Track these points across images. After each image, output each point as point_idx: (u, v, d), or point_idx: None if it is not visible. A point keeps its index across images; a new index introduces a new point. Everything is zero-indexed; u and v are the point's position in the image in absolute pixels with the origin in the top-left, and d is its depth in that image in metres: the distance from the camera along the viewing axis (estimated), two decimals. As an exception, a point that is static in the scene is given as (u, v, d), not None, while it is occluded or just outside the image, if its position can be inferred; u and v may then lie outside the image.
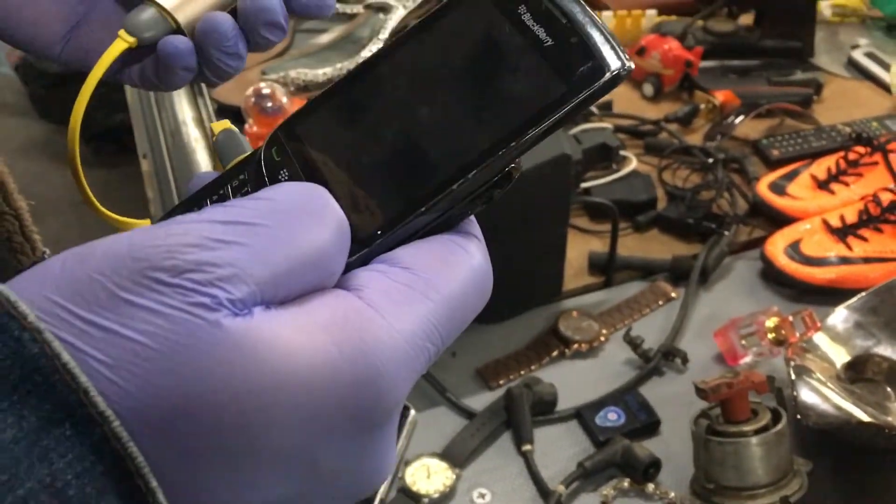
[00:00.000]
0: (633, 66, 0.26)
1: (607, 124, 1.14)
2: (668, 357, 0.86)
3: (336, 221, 0.25)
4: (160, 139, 0.90)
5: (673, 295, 0.94)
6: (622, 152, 1.05)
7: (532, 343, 0.89)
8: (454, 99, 0.27)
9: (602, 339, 0.88)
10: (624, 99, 1.28)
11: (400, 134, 0.28)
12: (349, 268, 0.26)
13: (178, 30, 0.40)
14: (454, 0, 0.28)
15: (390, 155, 0.28)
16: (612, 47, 0.25)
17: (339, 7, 1.00)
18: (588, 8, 0.26)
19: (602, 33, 0.26)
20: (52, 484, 0.19)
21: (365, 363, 0.23)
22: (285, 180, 0.28)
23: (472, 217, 0.28)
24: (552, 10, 0.26)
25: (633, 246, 1.01)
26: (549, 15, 0.26)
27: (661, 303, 0.93)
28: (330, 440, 0.23)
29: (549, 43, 0.26)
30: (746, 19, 1.40)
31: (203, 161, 0.96)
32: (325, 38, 0.97)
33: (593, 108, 1.21)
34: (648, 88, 1.27)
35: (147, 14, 0.39)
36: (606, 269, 0.96)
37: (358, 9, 1.00)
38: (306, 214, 0.24)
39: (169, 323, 0.21)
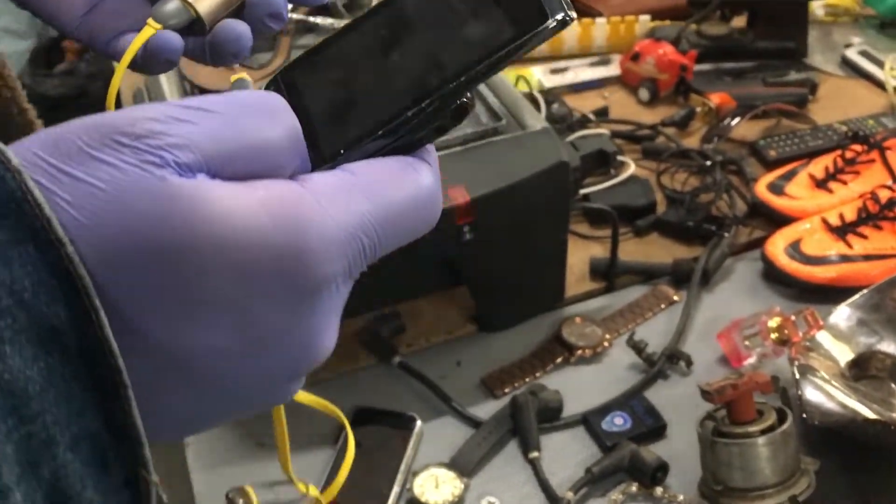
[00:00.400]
0: (574, 16, 0.30)
1: (604, 130, 1.14)
2: (673, 360, 0.86)
3: (287, 123, 0.28)
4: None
5: (675, 298, 0.94)
6: (620, 157, 1.06)
7: (536, 350, 0.89)
8: (419, 43, 0.31)
9: (606, 344, 0.88)
10: (620, 104, 1.29)
11: (369, 72, 0.32)
12: None
13: (198, 19, 0.46)
14: None
15: (360, 90, 0.32)
16: (559, 2, 0.29)
17: (336, 23, 1.01)
18: None
19: None
20: (11, 286, 0.23)
21: (295, 235, 0.26)
22: None
23: (431, 147, 0.32)
24: None
25: (634, 250, 1.01)
26: None
27: (663, 306, 0.93)
28: (261, 299, 0.26)
29: None
30: (739, 21, 1.41)
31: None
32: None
33: (590, 115, 1.22)
34: (644, 93, 1.28)
35: (172, 5, 0.45)
36: (608, 275, 0.96)
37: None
38: (259, 111, 0.27)
39: (122, 174, 0.25)
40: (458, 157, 0.81)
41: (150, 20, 0.45)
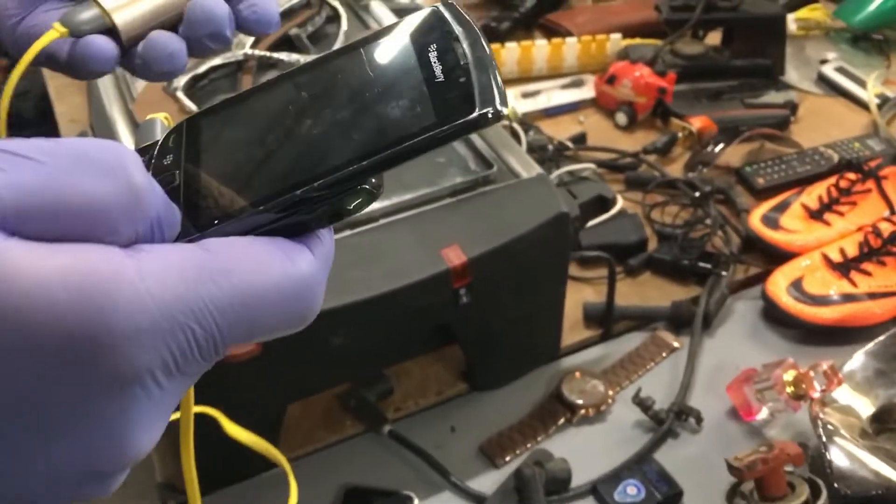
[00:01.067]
0: (505, 111, 0.26)
1: (591, 165, 1.09)
2: (681, 417, 0.81)
3: (126, 182, 0.23)
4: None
5: (676, 345, 0.89)
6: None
7: (535, 411, 0.83)
8: (334, 115, 0.28)
9: (609, 401, 0.83)
10: (597, 129, 1.23)
11: (271, 137, 0.29)
12: None
13: (114, 29, 0.43)
14: (384, 30, 0.30)
15: (256, 155, 0.29)
16: (493, 92, 0.26)
17: (302, 58, 0.93)
18: (490, 55, 0.27)
19: (490, 77, 0.27)
20: None
21: (93, 316, 0.22)
22: (166, 164, 0.29)
23: (323, 233, 0.28)
24: (457, 52, 0.27)
25: (628, 292, 0.96)
26: (452, 56, 0.27)
27: (664, 354, 0.88)
28: (46, 385, 0.22)
29: (439, 79, 0.27)
30: (712, 39, 1.37)
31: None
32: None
33: (568, 143, 1.17)
34: (622, 118, 1.23)
35: (86, 11, 0.42)
36: (604, 322, 0.90)
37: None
38: (89, 164, 0.23)
39: None
40: (448, 210, 0.75)
41: (56, 24, 0.42)
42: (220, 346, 0.24)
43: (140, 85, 0.97)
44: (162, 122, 0.34)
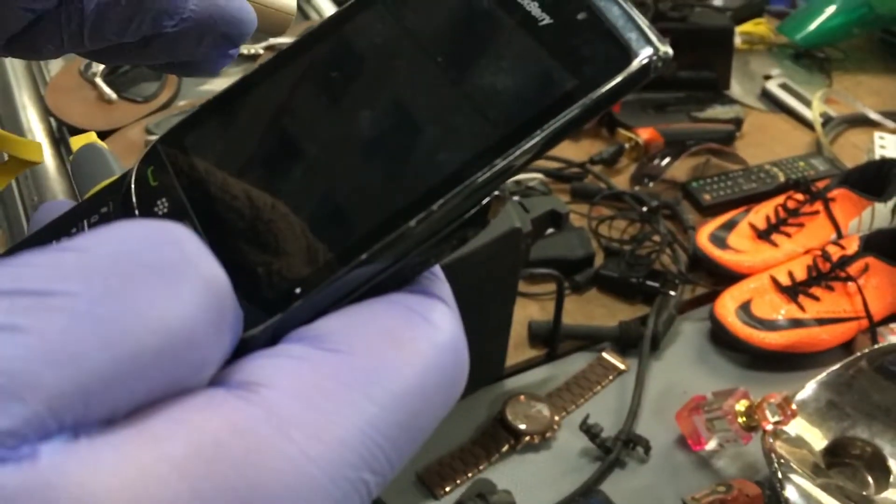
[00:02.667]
0: (670, 52, 0.19)
1: (539, 175, 1.05)
2: (629, 446, 0.77)
3: (204, 282, 0.16)
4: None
5: (622, 367, 0.86)
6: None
7: (478, 436, 0.78)
8: (413, 100, 0.20)
9: (555, 427, 0.78)
10: (542, 136, 1.19)
11: (332, 146, 0.20)
12: (249, 346, 0.18)
13: None
14: None
15: (317, 175, 0.20)
16: (637, 26, 0.18)
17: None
18: None
19: (620, 7, 0.19)
20: None
21: None
22: (163, 214, 0.20)
23: (438, 269, 0.20)
24: None
25: (573, 309, 0.92)
26: None
27: (611, 378, 0.85)
28: None
29: (545, 21, 0.19)
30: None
31: (62, 190, 0.80)
32: (221, 86, 0.83)
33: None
34: (568, 125, 1.19)
35: None
36: (550, 341, 0.86)
37: (258, 49, 0.86)
38: (149, 273, 0.15)
39: None
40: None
41: None
42: (390, 476, 0.18)
43: (54, 67, 0.88)
44: (108, 151, 0.25)
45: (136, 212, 0.21)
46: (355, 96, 0.20)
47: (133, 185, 0.21)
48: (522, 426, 0.78)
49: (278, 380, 0.16)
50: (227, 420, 0.15)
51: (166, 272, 0.15)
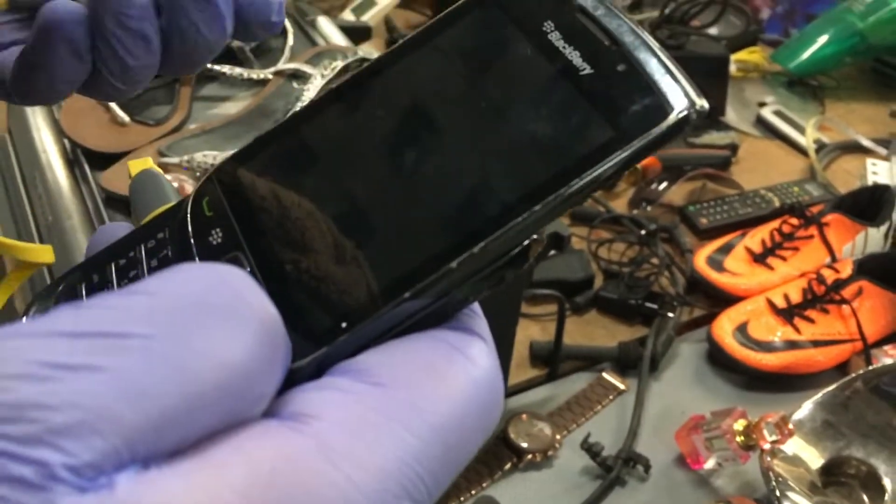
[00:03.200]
0: (706, 106, 0.19)
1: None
2: (629, 464, 0.79)
3: (259, 322, 0.17)
4: (33, 235, 0.75)
5: (622, 387, 0.87)
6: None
7: (480, 454, 0.79)
8: (459, 145, 0.20)
9: (556, 445, 0.80)
10: (542, 160, 1.22)
11: (380, 187, 0.21)
12: (296, 377, 0.19)
13: None
14: (461, 8, 0.21)
15: (365, 215, 0.21)
16: (675, 79, 0.19)
17: (245, 72, 0.89)
18: (638, 25, 0.20)
19: (659, 60, 0.19)
20: None
21: None
22: (216, 244, 0.21)
23: (476, 307, 0.21)
24: (590, 27, 0.20)
25: (573, 330, 0.94)
26: (585, 34, 0.20)
27: (611, 397, 0.86)
28: None
29: (586, 71, 0.20)
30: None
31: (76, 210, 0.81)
32: (230, 109, 0.85)
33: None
34: (567, 150, 1.21)
35: None
36: (551, 361, 0.88)
37: (267, 75, 0.89)
38: (211, 314, 0.16)
39: None
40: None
41: None
42: None
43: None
44: (163, 177, 0.26)
45: (192, 240, 0.22)
46: (406, 138, 0.21)
47: (189, 214, 0.22)
48: (525, 444, 0.79)
49: (326, 412, 0.18)
50: (280, 449, 0.16)
51: (225, 313, 0.17)
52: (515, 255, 0.20)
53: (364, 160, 0.21)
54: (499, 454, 0.79)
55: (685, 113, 0.19)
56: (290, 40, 0.96)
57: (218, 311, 0.16)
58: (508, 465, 0.78)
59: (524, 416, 0.82)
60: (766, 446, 0.73)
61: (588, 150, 0.19)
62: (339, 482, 0.16)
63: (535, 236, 0.20)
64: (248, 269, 0.21)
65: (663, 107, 0.19)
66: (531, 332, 0.93)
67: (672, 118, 0.19)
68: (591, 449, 0.78)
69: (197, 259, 0.21)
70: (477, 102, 0.21)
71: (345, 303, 0.19)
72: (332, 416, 0.18)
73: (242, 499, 0.15)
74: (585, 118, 0.19)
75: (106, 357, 0.15)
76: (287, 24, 0.98)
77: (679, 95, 0.19)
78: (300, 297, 0.20)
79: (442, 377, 0.19)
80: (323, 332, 0.19)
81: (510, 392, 0.86)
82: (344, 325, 0.19)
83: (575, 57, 0.20)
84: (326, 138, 0.22)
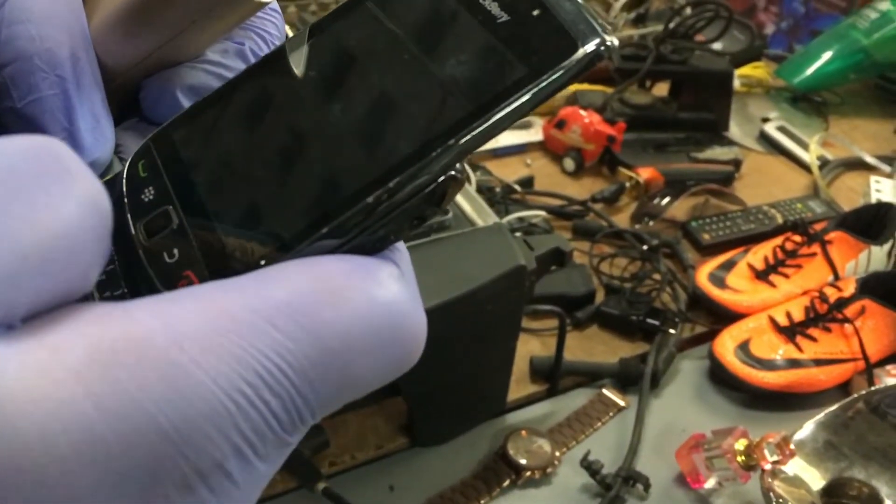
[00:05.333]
0: (615, 42, 0.20)
1: (541, 212, 1.06)
2: (629, 483, 0.78)
3: (82, 189, 0.17)
4: None
5: (622, 404, 0.87)
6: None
7: (479, 470, 0.79)
8: (378, 91, 0.21)
9: (556, 462, 0.79)
10: (544, 173, 1.22)
11: (301, 134, 0.22)
12: None
13: None
14: None
15: (287, 160, 0.22)
16: (586, 19, 0.20)
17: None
18: None
19: (573, 3, 0.21)
20: None
21: (140, 422, 0.15)
22: (148, 201, 0.22)
23: (401, 245, 0.22)
24: None
25: (574, 345, 0.93)
26: None
27: (611, 414, 0.86)
28: None
29: (503, 19, 0.21)
30: (659, 90, 1.37)
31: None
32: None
33: (515, 186, 1.14)
34: (569, 163, 1.21)
35: None
36: (551, 377, 0.87)
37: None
38: (31, 181, 0.16)
39: None
40: (402, 257, 0.71)
41: None
42: (306, 413, 0.18)
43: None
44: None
45: (125, 199, 0.23)
46: (324, 88, 0.22)
47: (125, 177, 0.23)
48: (523, 461, 0.78)
49: (185, 300, 0.18)
50: (124, 330, 0.16)
51: (46, 180, 0.16)
52: (432, 191, 0.20)
53: (288, 111, 0.22)
54: (497, 471, 0.78)
55: (593, 48, 0.20)
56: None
57: (38, 178, 0.16)
58: (507, 482, 0.78)
59: (523, 432, 0.81)
60: (768, 466, 0.73)
61: (499, 88, 0.20)
62: (182, 362, 0.16)
63: (453, 174, 0.20)
64: (178, 221, 0.22)
65: (574, 43, 0.20)
66: (531, 346, 0.92)
67: (580, 53, 0.20)
68: (590, 467, 0.78)
69: (129, 217, 0.22)
70: (400, 52, 0.22)
71: (265, 243, 0.20)
72: (190, 304, 0.17)
73: (77, 378, 0.15)
74: (499, 60, 0.20)
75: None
76: (290, 34, 0.98)
77: (589, 33, 0.20)
78: (224, 242, 0.21)
79: (332, 287, 0.19)
80: (244, 269, 0.20)
81: (510, 408, 0.85)
82: (262, 262, 0.20)
83: (493, 7, 0.21)
84: (254, 97, 0.23)
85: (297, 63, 0.23)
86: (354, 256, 0.20)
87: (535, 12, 0.21)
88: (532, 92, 0.20)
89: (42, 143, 0.17)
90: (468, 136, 0.20)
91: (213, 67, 0.28)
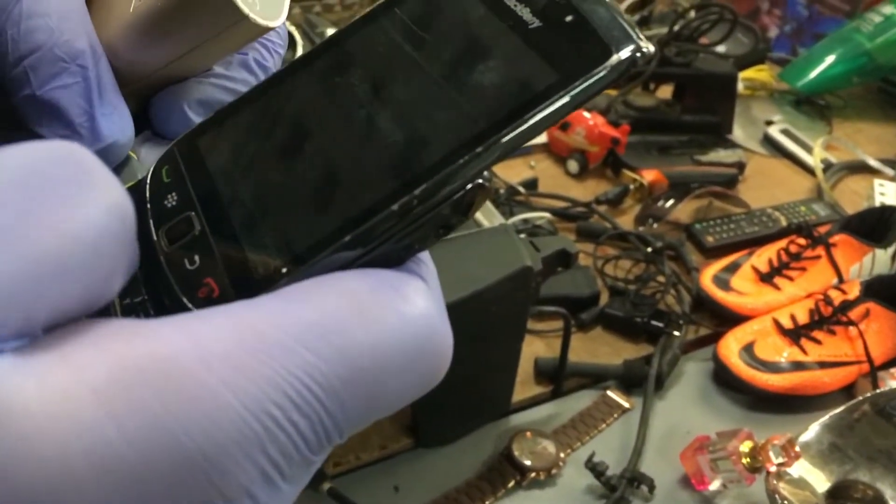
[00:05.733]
0: (651, 49, 0.20)
1: (546, 214, 1.06)
2: (634, 484, 0.78)
3: (106, 196, 0.16)
4: None
5: (627, 406, 0.87)
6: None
7: (484, 471, 0.79)
8: (405, 97, 0.21)
9: (560, 463, 0.79)
10: (548, 175, 1.22)
11: (326, 139, 0.22)
12: None
13: None
14: None
15: (311, 168, 0.21)
16: (620, 26, 0.20)
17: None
18: None
19: (607, 9, 0.20)
20: None
21: (165, 446, 0.15)
22: (171, 207, 0.22)
23: (425, 256, 0.22)
24: None
25: (578, 347, 0.93)
26: None
27: (616, 416, 0.86)
28: None
29: (535, 24, 0.21)
30: (663, 92, 1.37)
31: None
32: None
33: (519, 188, 1.14)
34: (573, 165, 1.21)
35: None
36: (556, 378, 0.87)
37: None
38: (54, 186, 0.16)
39: None
40: (408, 258, 0.71)
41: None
42: (333, 433, 0.18)
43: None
44: (132, 158, 0.28)
45: (148, 205, 0.23)
46: (350, 96, 0.22)
47: (149, 181, 0.23)
48: (528, 462, 0.78)
49: (214, 318, 0.17)
50: (150, 349, 0.16)
51: (70, 186, 0.16)
52: (458, 200, 0.20)
53: (312, 118, 0.22)
54: (502, 472, 0.79)
55: (629, 56, 0.19)
56: (300, 51, 0.97)
57: (62, 184, 0.16)
58: (512, 483, 0.78)
59: (528, 433, 0.81)
60: (772, 469, 0.73)
61: (531, 94, 0.19)
62: (210, 383, 0.16)
63: (479, 181, 0.20)
64: (200, 228, 0.21)
65: (608, 50, 0.19)
66: (536, 348, 0.92)
67: (614, 59, 0.19)
68: (595, 468, 0.78)
69: (152, 223, 0.22)
70: (429, 59, 0.21)
71: (287, 251, 0.20)
72: (219, 321, 0.17)
73: (100, 399, 0.15)
74: (531, 66, 0.20)
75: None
76: (297, 35, 0.98)
77: (623, 40, 0.20)
78: (247, 249, 0.20)
79: (362, 305, 0.18)
80: (265, 278, 0.20)
81: (514, 409, 0.85)
82: (285, 270, 0.20)
83: (524, 12, 0.21)
84: (278, 105, 0.23)
85: (323, 71, 0.23)
86: (379, 271, 0.20)
87: (569, 18, 0.20)
88: (564, 99, 0.19)
89: (66, 149, 0.17)
90: (497, 144, 0.20)
91: (220, 80, 0.29)
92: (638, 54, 0.19)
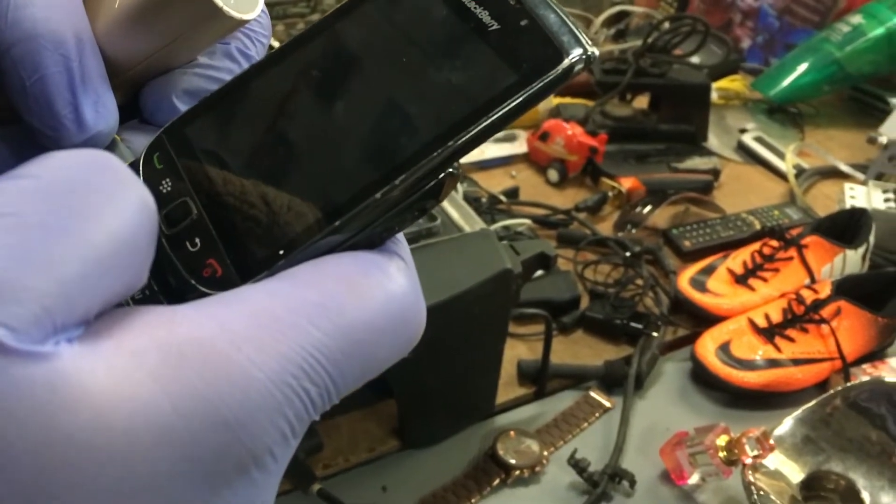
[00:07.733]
0: (596, 52, 0.22)
1: (526, 220, 1.09)
2: (615, 480, 0.80)
3: (138, 198, 0.19)
4: None
5: (608, 405, 0.89)
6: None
7: (470, 470, 0.81)
8: (382, 94, 0.23)
9: (544, 461, 0.81)
10: (529, 184, 1.24)
11: (309, 133, 0.24)
12: None
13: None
14: None
15: (297, 158, 0.23)
16: (570, 31, 0.22)
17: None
18: None
19: (558, 15, 0.22)
20: None
21: (207, 415, 0.18)
22: (166, 192, 0.24)
23: (400, 236, 0.24)
24: None
25: (560, 349, 0.96)
26: None
27: (597, 415, 0.88)
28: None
29: (494, 27, 0.23)
30: (639, 102, 1.40)
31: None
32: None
33: (501, 197, 1.17)
34: (553, 174, 1.24)
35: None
36: (538, 379, 0.90)
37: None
38: (96, 192, 0.18)
39: None
40: (392, 262, 0.73)
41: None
42: (334, 397, 0.21)
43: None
44: (119, 143, 0.28)
45: None
46: (332, 90, 0.24)
47: (141, 168, 0.25)
48: (513, 461, 0.80)
49: (234, 303, 0.20)
50: (189, 334, 0.19)
51: (110, 192, 0.19)
52: (433, 187, 0.23)
53: (298, 111, 0.24)
54: (487, 470, 0.81)
55: (577, 58, 0.22)
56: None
57: (103, 190, 0.19)
58: (497, 481, 0.80)
59: (512, 433, 0.83)
60: (748, 461, 0.75)
61: (494, 93, 0.22)
62: (240, 362, 0.19)
63: (451, 171, 0.22)
64: (197, 212, 0.23)
65: (560, 53, 0.22)
66: (518, 351, 0.94)
67: (566, 62, 0.22)
68: (577, 465, 0.80)
69: None
70: (401, 57, 0.23)
71: (284, 234, 0.22)
72: (237, 307, 0.20)
73: (154, 378, 0.18)
74: (493, 67, 0.22)
75: (8, 236, 0.17)
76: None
77: (573, 44, 0.22)
78: (243, 233, 0.22)
79: (355, 285, 0.21)
80: (263, 260, 0.22)
81: (498, 410, 0.88)
82: (281, 252, 0.22)
83: (484, 16, 0.23)
84: (263, 94, 0.25)
85: (302, 61, 0.25)
86: (366, 254, 0.22)
87: (523, 22, 0.22)
88: (522, 98, 0.22)
89: (98, 156, 0.19)
90: (465, 138, 0.22)
91: (204, 70, 0.30)
92: (584, 57, 0.22)
